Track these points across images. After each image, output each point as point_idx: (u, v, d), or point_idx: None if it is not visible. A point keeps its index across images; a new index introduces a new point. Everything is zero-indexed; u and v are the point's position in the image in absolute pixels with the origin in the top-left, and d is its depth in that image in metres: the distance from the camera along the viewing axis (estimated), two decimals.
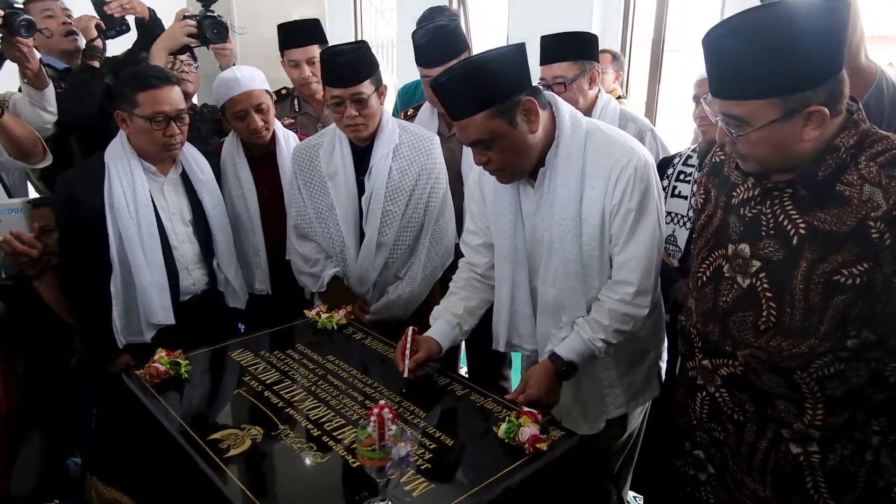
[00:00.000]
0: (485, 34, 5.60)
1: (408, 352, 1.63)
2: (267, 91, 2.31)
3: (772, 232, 1.26)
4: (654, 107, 4.71)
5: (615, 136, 1.60)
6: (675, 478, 1.56)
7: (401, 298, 2.15)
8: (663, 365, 1.87)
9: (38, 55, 2.20)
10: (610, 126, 1.68)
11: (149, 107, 1.94)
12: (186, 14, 2.36)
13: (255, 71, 2.31)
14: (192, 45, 2.44)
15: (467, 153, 2.35)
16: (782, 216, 1.25)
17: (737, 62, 1.16)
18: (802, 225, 1.22)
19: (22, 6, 2.00)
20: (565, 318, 1.65)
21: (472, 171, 1.84)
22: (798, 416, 1.28)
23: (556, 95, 1.65)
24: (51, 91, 2.26)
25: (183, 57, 2.50)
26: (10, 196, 2.22)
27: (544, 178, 1.60)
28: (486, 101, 1.46)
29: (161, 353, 1.71)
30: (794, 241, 1.22)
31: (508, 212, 1.68)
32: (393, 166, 2.08)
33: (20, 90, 2.31)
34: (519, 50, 1.50)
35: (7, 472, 2.10)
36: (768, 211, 1.27)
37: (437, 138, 2.21)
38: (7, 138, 1.97)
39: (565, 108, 1.60)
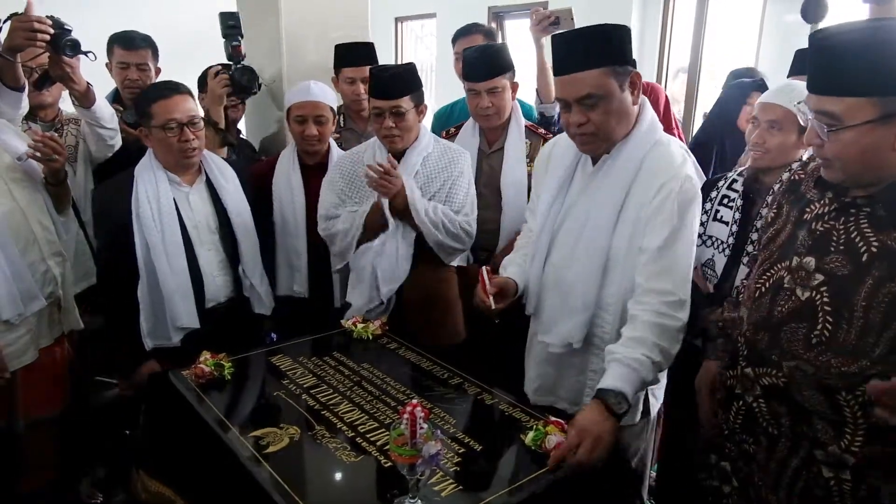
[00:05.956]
0: (524, 65, 5.69)
1: (489, 287, 1.68)
2: (332, 108, 2.47)
3: (842, 247, 1.25)
4: (689, 134, 4.74)
5: (674, 156, 1.65)
6: (697, 491, 1.57)
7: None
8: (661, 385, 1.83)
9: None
10: (678, 145, 1.71)
11: (162, 116, 2.05)
12: (219, 71, 2.59)
13: (328, 89, 2.49)
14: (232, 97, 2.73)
15: (507, 169, 2.46)
16: (855, 233, 1.23)
17: (842, 57, 1.15)
18: (875, 243, 1.20)
19: (70, 28, 2.05)
20: (574, 301, 1.68)
21: (544, 148, 1.94)
22: (835, 438, 1.25)
23: (647, 99, 1.71)
24: (101, 108, 2.36)
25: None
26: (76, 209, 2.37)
27: (602, 166, 1.68)
28: (606, 59, 1.55)
29: (206, 356, 1.77)
30: (864, 258, 1.21)
31: (555, 185, 1.77)
32: (420, 171, 2.23)
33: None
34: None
35: (57, 465, 2.20)
36: (841, 227, 1.26)
37: (467, 153, 2.35)
38: (58, 197, 2.15)
39: (650, 112, 1.68)
